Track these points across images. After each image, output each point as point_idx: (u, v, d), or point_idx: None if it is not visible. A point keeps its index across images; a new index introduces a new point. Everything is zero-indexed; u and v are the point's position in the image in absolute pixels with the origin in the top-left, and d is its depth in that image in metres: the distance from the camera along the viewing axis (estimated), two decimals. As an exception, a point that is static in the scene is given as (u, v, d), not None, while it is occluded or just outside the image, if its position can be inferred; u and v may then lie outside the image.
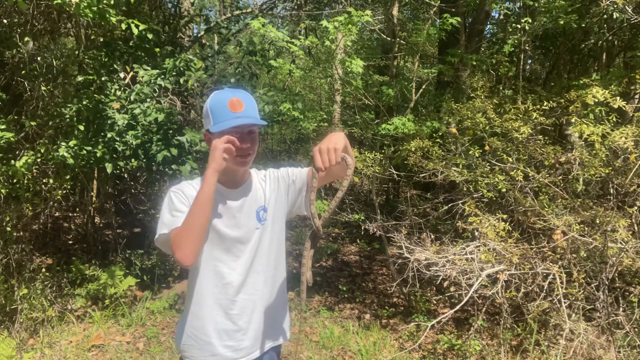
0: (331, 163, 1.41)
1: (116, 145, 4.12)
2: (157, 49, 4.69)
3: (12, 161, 3.99)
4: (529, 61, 8.58)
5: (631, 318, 3.51)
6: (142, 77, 4.23)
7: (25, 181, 4.31)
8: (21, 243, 4.52)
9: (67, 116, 4.25)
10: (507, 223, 3.70)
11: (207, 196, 1.47)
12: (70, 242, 6.01)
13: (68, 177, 4.67)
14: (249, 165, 1.63)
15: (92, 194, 5.63)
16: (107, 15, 3.61)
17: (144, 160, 4.22)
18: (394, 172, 5.05)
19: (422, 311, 4.46)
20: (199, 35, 6.38)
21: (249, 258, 1.67)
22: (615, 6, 4.56)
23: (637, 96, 5.15)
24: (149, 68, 4.33)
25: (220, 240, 1.63)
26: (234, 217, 1.65)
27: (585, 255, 3.66)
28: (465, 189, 4.22)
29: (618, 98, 3.64)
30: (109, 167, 4.06)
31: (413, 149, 4.45)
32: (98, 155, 4.02)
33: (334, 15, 6.80)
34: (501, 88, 6.76)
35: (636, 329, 3.48)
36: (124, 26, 3.85)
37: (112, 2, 3.64)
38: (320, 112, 5.69)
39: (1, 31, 4.70)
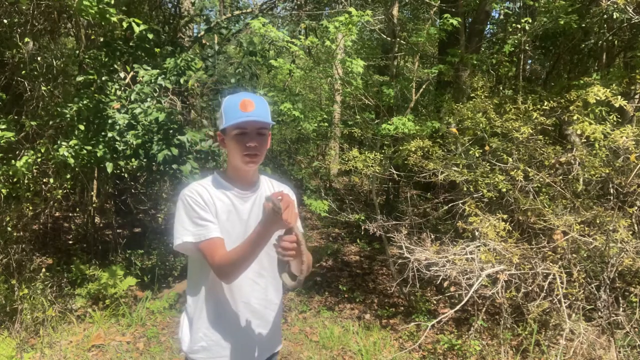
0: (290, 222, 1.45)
1: (116, 145, 4.12)
2: (157, 49, 4.69)
3: (13, 161, 3.99)
4: (529, 61, 8.59)
5: (631, 318, 3.51)
6: (143, 77, 4.23)
7: (26, 181, 4.31)
8: (21, 243, 4.52)
9: (68, 116, 4.25)
10: (508, 223, 3.70)
11: (264, 241, 1.50)
12: (70, 242, 6.01)
13: (68, 176, 4.66)
14: (256, 164, 1.65)
15: (92, 194, 5.62)
16: (107, 15, 3.61)
17: (145, 160, 4.22)
18: (394, 172, 5.05)
19: (422, 311, 4.46)
20: (199, 35, 6.38)
21: (257, 260, 1.64)
22: (615, 6, 4.56)
23: (637, 96, 5.15)
24: (149, 68, 4.33)
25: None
26: (245, 221, 1.67)
27: (585, 255, 3.66)
28: (465, 189, 4.22)
29: (619, 97, 3.64)
30: (109, 167, 4.06)
31: (413, 149, 4.45)
32: (98, 155, 4.01)
33: (334, 15, 6.80)
34: (501, 88, 6.77)
35: (636, 329, 3.48)
36: (125, 25, 3.85)
37: (112, 2, 3.65)
38: (320, 112, 5.69)
39: (1, 31, 4.70)
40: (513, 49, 5.74)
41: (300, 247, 1.45)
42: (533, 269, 3.44)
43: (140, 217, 6.37)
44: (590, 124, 3.55)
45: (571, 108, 3.94)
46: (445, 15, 5.08)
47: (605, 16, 5.09)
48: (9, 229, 4.30)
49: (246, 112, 1.57)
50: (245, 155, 1.59)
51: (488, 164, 4.14)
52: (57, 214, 6.31)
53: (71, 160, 3.95)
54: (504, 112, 4.40)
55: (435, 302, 4.71)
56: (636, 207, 3.63)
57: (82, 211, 6.19)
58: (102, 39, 5.01)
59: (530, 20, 5.42)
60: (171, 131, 4.21)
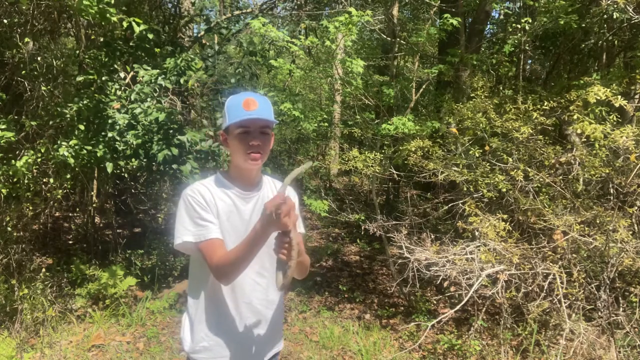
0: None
1: (117, 145, 4.12)
2: (157, 49, 4.69)
3: (13, 161, 3.99)
4: (529, 61, 8.59)
5: (631, 318, 3.51)
6: (143, 77, 4.23)
7: (26, 181, 4.30)
8: (21, 243, 4.52)
9: (68, 116, 4.25)
10: (508, 223, 3.70)
11: (262, 241, 1.48)
12: (70, 242, 6.01)
13: (68, 176, 4.66)
14: (260, 163, 1.64)
15: (92, 194, 5.62)
16: (107, 15, 3.62)
17: (145, 160, 4.22)
18: (394, 172, 5.05)
19: (422, 311, 4.46)
20: (199, 35, 6.38)
21: (258, 260, 1.64)
22: (615, 6, 4.56)
23: (637, 96, 5.15)
24: (149, 68, 4.33)
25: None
26: (247, 221, 1.66)
27: (585, 255, 3.67)
28: (465, 189, 4.22)
29: (619, 97, 3.64)
30: (109, 167, 4.06)
31: (413, 149, 4.45)
32: (98, 154, 4.02)
33: (334, 15, 6.80)
34: (501, 88, 6.77)
35: (636, 329, 3.48)
36: (125, 25, 3.85)
37: (112, 2, 3.65)
38: (320, 112, 5.69)
39: (1, 31, 4.70)
40: (513, 49, 5.75)
41: (291, 251, 1.42)
42: (533, 269, 3.44)
43: (140, 217, 6.37)
44: (590, 123, 3.54)
45: (571, 108, 3.94)
46: (445, 15, 5.08)
47: (605, 16, 5.09)
48: (9, 229, 4.29)
49: (249, 111, 1.57)
50: (249, 154, 1.59)
51: (488, 164, 4.14)
52: (57, 214, 6.31)
53: (71, 160, 3.95)
54: (504, 112, 4.40)
55: (435, 302, 4.71)
56: (636, 207, 3.63)
57: (82, 211, 6.19)
58: (102, 39, 5.01)
59: (530, 20, 5.42)
60: (171, 131, 4.21)
